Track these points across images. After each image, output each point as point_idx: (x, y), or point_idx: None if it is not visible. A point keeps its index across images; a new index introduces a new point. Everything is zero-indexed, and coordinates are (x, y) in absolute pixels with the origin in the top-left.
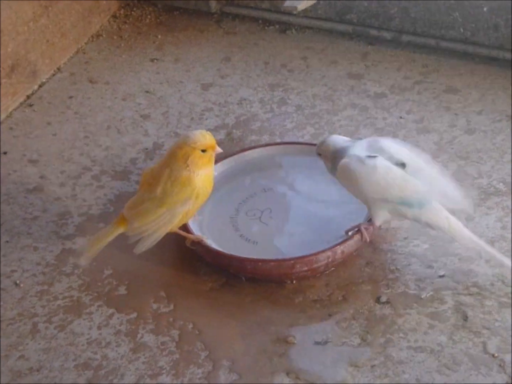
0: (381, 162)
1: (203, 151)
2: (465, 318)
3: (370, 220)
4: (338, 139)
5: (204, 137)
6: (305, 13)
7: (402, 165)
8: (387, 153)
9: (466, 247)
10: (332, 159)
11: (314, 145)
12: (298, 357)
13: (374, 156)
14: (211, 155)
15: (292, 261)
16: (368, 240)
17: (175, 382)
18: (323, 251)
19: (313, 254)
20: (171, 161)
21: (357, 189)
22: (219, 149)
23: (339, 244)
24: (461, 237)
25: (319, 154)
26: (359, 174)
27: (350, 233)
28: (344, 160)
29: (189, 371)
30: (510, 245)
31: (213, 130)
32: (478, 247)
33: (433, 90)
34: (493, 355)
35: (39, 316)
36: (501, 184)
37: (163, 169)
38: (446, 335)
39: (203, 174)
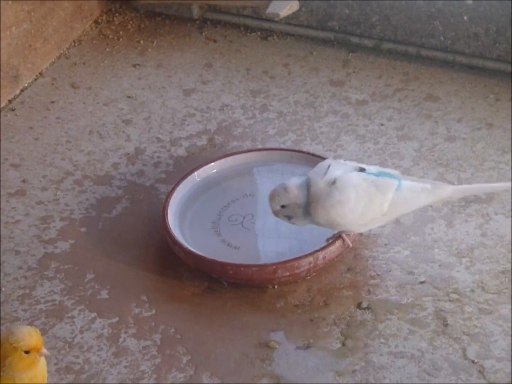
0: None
1: (26, 352)
2: (445, 324)
3: None
4: (294, 180)
5: (30, 336)
6: (287, 20)
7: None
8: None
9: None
10: (304, 199)
11: (297, 151)
12: (280, 361)
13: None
14: (35, 357)
15: (274, 266)
16: (350, 245)
17: None
18: (304, 256)
19: (294, 259)
20: None
21: (362, 207)
22: (45, 352)
23: (321, 249)
24: (450, 195)
25: (283, 206)
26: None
27: (330, 240)
28: (343, 176)
29: (171, 375)
30: (489, 252)
31: (195, 136)
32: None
33: (414, 97)
34: (472, 361)
35: (21, 320)
36: None
37: None
38: (426, 341)
39: (24, 378)
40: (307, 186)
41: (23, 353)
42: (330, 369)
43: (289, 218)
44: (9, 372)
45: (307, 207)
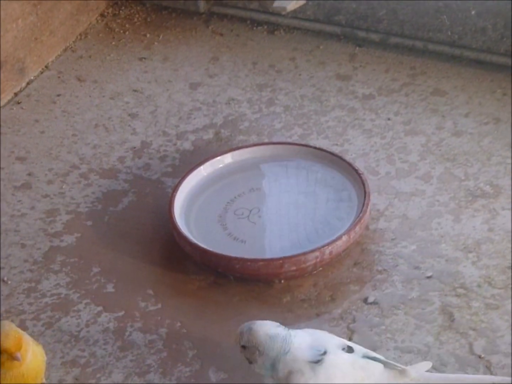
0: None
1: None
2: (452, 319)
3: None
4: (268, 327)
5: (5, 338)
6: (294, 14)
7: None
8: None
9: None
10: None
11: (304, 145)
12: None
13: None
14: (6, 359)
15: (280, 261)
16: None
17: (163, 380)
18: (311, 251)
19: (301, 254)
20: None
21: None
22: (19, 358)
23: (328, 244)
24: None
25: (243, 347)
26: None
27: None
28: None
29: (177, 370)
30: (496, 247)
31: (201, 130)
32: None
33: (421, 92)
34: (479, 356)
35: (26, 313)
36: (488, 186)
37: None
38: (433, 336)
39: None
40: (284, 343)
41: None
42: None
43: (248, 361)
44: None
45: (277, 364)
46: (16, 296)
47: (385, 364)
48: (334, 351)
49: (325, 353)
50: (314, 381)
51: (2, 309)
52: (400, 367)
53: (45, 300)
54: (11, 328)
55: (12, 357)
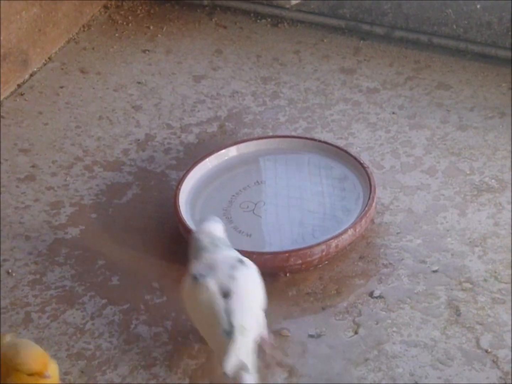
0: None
1: (29, 374)
2: (458, 313)
3: None
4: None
5: (35, 361)
6: (298, 7)
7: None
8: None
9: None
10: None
11: (309, 139)
12: (292, 350)
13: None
14: (37, 379)
15: (286, 254)
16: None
17: (168, 373)
18: (317, 244)
19: (307, 247)
20: None
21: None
22: (47, 375)
23: (334, 237)
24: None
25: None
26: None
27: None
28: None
29: (183, 362)
30: (502, 242)
31: (206, 122)
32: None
33: (425, 86)
34: (486, 351)
35: (31, 306)
36: (493, 180)
37: None
38: (439, 330)
39: None
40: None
41: (25, 375)
42: (342, 357)
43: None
44: None
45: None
46: (21, 288)
47: None
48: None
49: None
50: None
51: (7, 301)
52: None
53: (50, 292)
54: (34, 348)
55: (42, 377)
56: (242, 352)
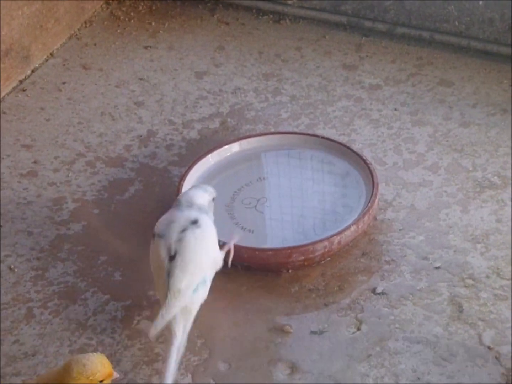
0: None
1: (101, 381)
2: (461, 310)
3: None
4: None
5: (103, 366)
6: (300, 3)
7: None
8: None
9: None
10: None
11: (312, 135)
12: (294, 346)
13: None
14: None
15: (289, 250)
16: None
17: None
18: (320, 240)
19: (310, 244)
20: None
21: None
22: (116, 374)
23: (336, 234)
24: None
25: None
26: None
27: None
28: None
29: (185, 358)
30: (505, 238)
31: (208, 119)
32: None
33: (428, 82)
34: (488, 347)
35: (34, 301)
36: (495, 177)
37: None
38: (442, 327)
39: None
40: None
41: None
42: (345, 354)
43: None
44: None
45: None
46: (23, 284)
47: None
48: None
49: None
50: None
51: (9, 296)
52: None
53: (52, 288)
54: (98, 358)
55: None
56: (176, 317)
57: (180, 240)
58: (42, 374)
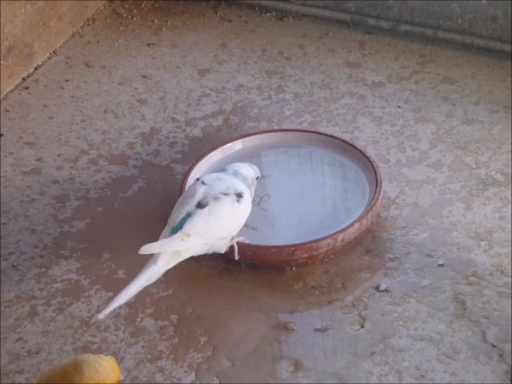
0: None
1: None
2: (464, 307)
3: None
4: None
5: (114, 372)
6: (303, 0)
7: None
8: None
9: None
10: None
11: (315, 132)
12: (298, 343)
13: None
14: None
15: (292, 248)
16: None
17: (174, 366)
18: (324, 238)
19: (314, 241)
20: None
21: None
22: (121, 377)
23: (340, 231)
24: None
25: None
26: None
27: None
28: None
29: (189, 356)
30: (508, 236)
31: (211, 116)
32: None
33: (431, 80)
34: (492, 345)
35: (37, 299)
36: (499, 174)
37: None
38: (446, 324)
39: None
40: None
41: None
42: (348, 351)
43: None
44: None
45: None
46: (27, 281)
47: None
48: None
49: None
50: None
51: (13, 294)
52: None
53: (55, 285)
54: (107, 360)
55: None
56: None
57: (217, 199)
58: (45, 371)
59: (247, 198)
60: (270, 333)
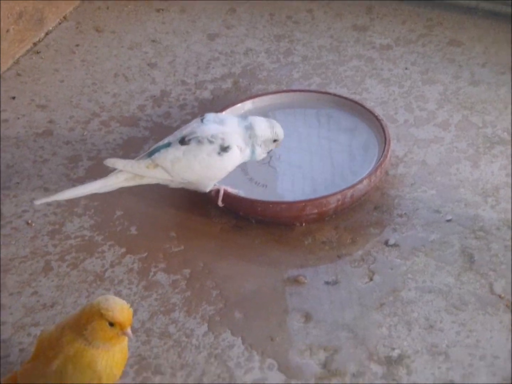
0: None
1: (111, 324)
2: (472, 260)
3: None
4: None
5: (120, 311)
6: None
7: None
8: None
9: None
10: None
11: (324, 92)
12: (308, 296)
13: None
14: (117, 333)
15: (302, 204)
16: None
17: (187, 318)
18: (333, 194)
19: (323, 197)
20: (72, 324)
21: None
22: (130, 334)
23: (349, 187)
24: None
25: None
26: None
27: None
28: None
29: (201, 308)
30: None
31: (220, 79)
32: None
33: (438, 43)
34: (499, 296)
35: (51, 255)
36: (505, 133)
37: (62, 335)
38: (454, 277)
39: (106, 351)
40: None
41: (107, 323)
42: (358, 303)
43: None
44: (89, 337)
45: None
46: (41, 238)
47: None
48: None
49: None
50: None
51: (28, 250)
52: None
53: (69, 242)
54: (123, 302)
55: (123, 332)
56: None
57: (200, 143)
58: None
59: (232, 155)
60: (280, 286)
